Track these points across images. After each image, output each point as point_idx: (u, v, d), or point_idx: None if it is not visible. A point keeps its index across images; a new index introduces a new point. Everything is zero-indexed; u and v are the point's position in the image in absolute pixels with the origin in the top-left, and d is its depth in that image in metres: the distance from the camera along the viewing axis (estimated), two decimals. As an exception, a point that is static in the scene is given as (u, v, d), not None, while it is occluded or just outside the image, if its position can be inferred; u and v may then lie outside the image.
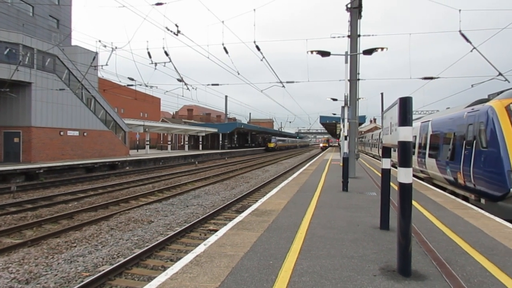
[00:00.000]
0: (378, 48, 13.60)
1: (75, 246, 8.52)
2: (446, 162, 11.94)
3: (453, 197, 10.52)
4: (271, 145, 78.14)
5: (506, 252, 5.11)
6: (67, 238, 9.13)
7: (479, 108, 9.80)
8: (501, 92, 9.50)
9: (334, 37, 16.10)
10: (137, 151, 48.06)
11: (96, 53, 25.63)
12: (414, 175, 14.47)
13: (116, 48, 18.94)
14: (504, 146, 8.27)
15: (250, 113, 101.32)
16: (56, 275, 6.73)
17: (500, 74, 13.94)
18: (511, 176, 7.99)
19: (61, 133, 27.52)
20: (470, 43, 13.83)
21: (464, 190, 10.73)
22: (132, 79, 22.33)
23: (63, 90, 27.04)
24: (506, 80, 13.88)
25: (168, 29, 14.74)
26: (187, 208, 13.27)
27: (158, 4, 14.74)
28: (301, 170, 20.14)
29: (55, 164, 22.70)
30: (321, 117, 43.21)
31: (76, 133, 29.08)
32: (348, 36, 15.59)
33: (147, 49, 18.33)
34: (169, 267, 4.60)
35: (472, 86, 16.11)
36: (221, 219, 11.45)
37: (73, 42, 39.63)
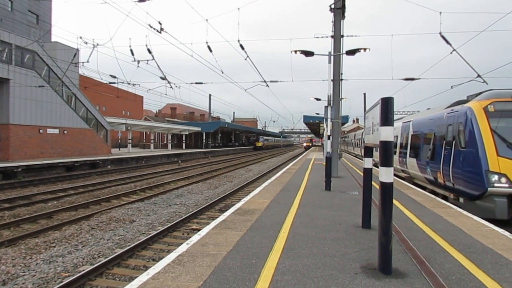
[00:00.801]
0: (361, 49, 13.75)
1: (54, 246, 8.35)
2: (426, 161, 12.16)
3: (433, 196, 10.72)
4: (259, 144, 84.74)
5: (483, 250, 5.24)
6: (46, 238, 8.95)
7: (458, 109, 10.02)
8: (480, 93, 9.72)
9: (317, 37, 16.20)
10: (119, 149, 47.46)
11: (77, 50, 25.16)
12: (395, 175, 14.70)
13: (97, 45, 18.65)
14: (482, 146, 8.48)
15: (234, 112, 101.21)
16: (34, 275, 6.59)
17: (478, 76, 14.28)
18: (488, 175, 8.19)
19: (41, 131, 26.93)
20: (450, 45, 14.14)
21: (443, 189, 10.95)
22: (114, 77, 22.03)
23: (43, 87, 26.48)
24: (485, 82, 14.22)
25: (151, 27, 14.58)
26: (170, 207, 13.17)
27: (141, 1, 14.56)
28: (284, 169, 20.21)
29: (34, 163, 22.20)
30: (305, 117, 43.48)
31: (56, 131, 28.49)
32: (332, 37, 15.71)
33: (130, 46, 18.11)
34: (151, 267, 4.55)
35: (452, 87, 16.46)
36: (204, 218, 11.39)
37: (53, 38, 38.90)
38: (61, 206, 12.84)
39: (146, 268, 6.74)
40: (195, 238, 5.74)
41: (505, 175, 8.06)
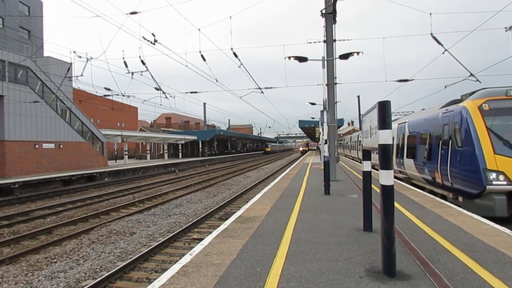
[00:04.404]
0: (354, 53, 13.85)
1: (56, 262, 8.30)
2: (423, 162, 12.22)
3: (431, 196, 10.76)
4: (268, 149, 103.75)
5: (485, 249, 5.27)
6: (47, 254, 8.89)
7: (453, 109, 10.10)
8: (474, 92, 9.81)
9: (310, 43, 16.30)
10: (116, 161, 47.28)
11: (70, 64, 25.13)
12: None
13: (91, 58, 18.66)
14: (478, 144, 8.54)
15: (229, 120, 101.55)
16: (36, 293, 6.54)
17: (471, 74, 14.42)
18: (486, 173, 8.25)
19: (36, 146, 26.81)
20: (442, 45, 14.27)
21: (442, 189, 11.00)
22: (108, 89, 22.02)
23: (37, 102, 26.40)
24: (478, 80, 14.35)
25: (145, 38, 14.62)
26: (170, 217, 13.12)
27: (132, 13, 14.60)
28: (282, 175, 20.22)
29: (31, 178, 22.07)
30: (300, 122, 43.65)
31: (52, 145, 28.37)
32: (324, 42, 15.82)
33: (123, 58, 18.12)
34: (154, 279, 4.54)
35: (445, 87, 16.59)
36: (205, 227, 11.37)
37: (46, 53, 38.89)
38: (60, 221, 12.77)
39: (149, 280, 6.72)
40: (198, 248, 5.73)
41: (503, 173, 8.12)
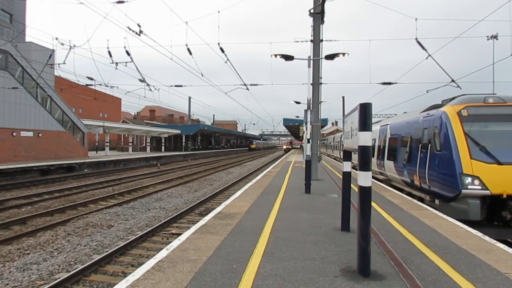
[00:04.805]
0: (339, 54, 13.93)
1: (29, 253, 8.12)
2: (403, 164, 12.41)
3: (409, 198, 10.95)
4: (253, 146, 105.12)
5: (457, 251, 5.39)
6: (20, 245, 8.69)
7: (433, 113, 10.28)
8: (454, 98, 10.02)
9: (297, 42, 16.34)
10: (97, 152, 46.55)
11: (53, 51, 24.55)
12: (373, 177, 14.92)
13: (74, 46, 18.28)
14: (456, 149, 8.72)
15: (213, 115, 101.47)
16: (7, 284, 6.40)
17: (452, 81, 14.71)
18: (462, 178, 8.43)
19: (14, 133, 26.15)
20: (426, 50, 14.50)
21: (420, 192, 11.20)
22: (91, 79, 21.59)
23: (16, 89, 25.72)
24: (458, 86, 14.66)
25: (130, 29, 14.40)
26: (149, 211, 13.00)
27: (119, 2, 14.36)
28: (264, 172, 20.25)
29: (7, 167, 21.51)
30: (285, 120, 43.74)
31: (30, 133, 27.72)
32: (311, 41, 15.87)
33: (108, 48, 17.81)
34: (130, 273, 4.48)
35: (427, 91, 16.89)
36: (184, 222, 11.30)
37: (28, 39, 37.86)
38: (36, 212, 12.50)
39: (124, 274, 6.64)
40: (175, 243, 5.69)
41: (478, 178, 8.32)
